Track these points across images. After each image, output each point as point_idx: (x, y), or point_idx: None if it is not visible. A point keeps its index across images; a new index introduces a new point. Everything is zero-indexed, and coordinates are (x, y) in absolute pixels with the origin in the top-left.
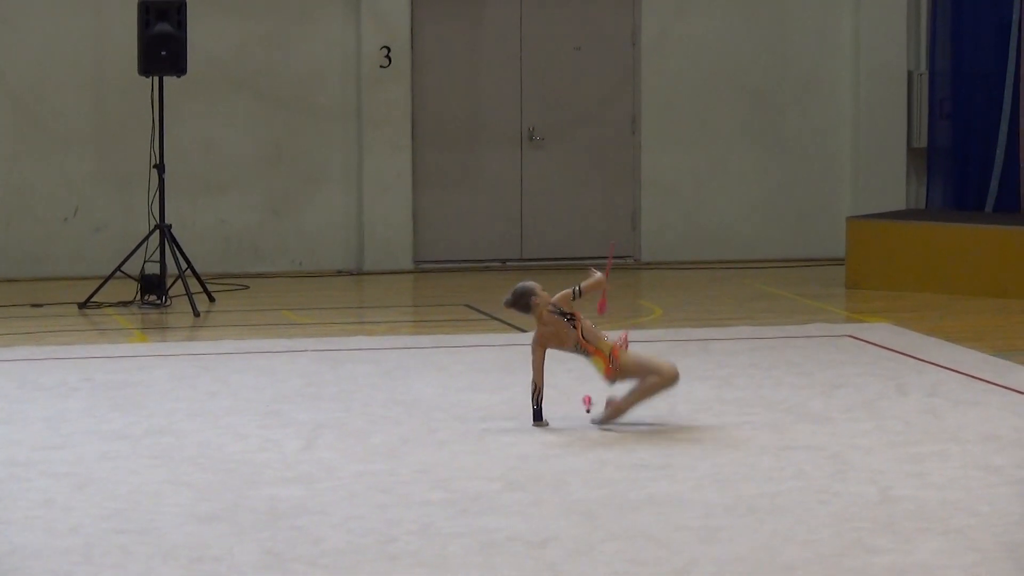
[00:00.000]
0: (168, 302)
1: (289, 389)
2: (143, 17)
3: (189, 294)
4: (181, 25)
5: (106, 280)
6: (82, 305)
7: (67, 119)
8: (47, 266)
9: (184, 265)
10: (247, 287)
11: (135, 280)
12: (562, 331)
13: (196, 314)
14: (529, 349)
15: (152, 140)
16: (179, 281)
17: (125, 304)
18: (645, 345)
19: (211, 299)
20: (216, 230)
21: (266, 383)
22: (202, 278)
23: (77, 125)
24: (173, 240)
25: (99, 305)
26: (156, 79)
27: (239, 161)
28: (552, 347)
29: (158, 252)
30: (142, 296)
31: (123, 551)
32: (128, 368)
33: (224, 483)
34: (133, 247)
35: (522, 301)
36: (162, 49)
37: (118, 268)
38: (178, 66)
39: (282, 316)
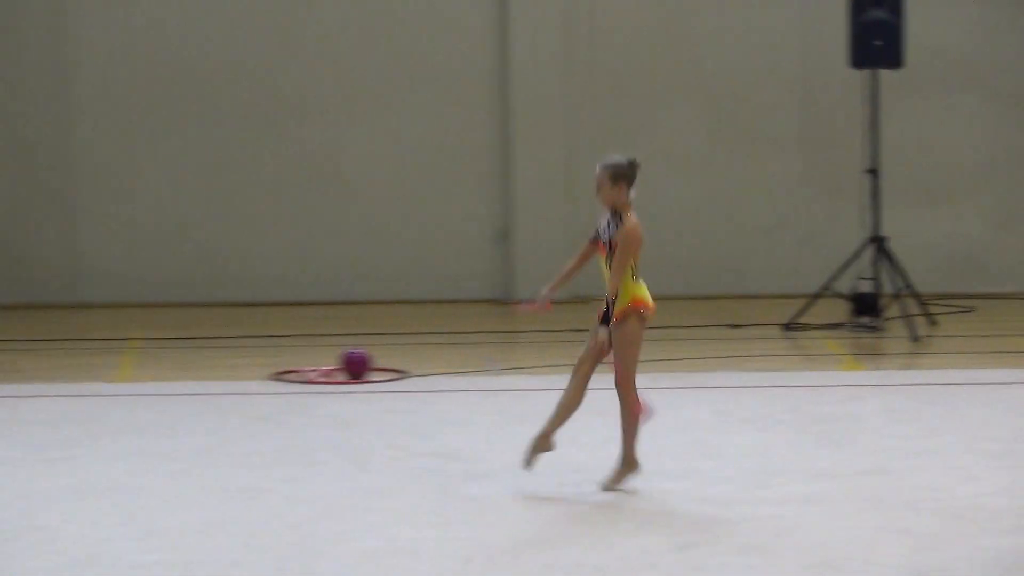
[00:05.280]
0: (883, 325)
1: None
2: (855, 3)
3: (908, 316)
4: (898, 11)
5: (813, 299)
6: (786, 326)
7: (771, 119)
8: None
9: (901, 283)
10: (972, 309)
11: (845, 299)
12: None
13: (915, 338)
14: None
15: (863, 141)
16: (896, 301)
17: (834, 326)
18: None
19: (932, 322)
20: (937, 245)
21: (995, 418)
22: (921, 298)
23: (782, 126)
24: (888, 255)
25: (804, 327)
26: (868, 72)
27: (961, 167)
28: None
29: (871, 268)
30: (854, 317)
31: None
32: (838, 399)
33: (951, 531)
34: (843, 262)
35: None
36: (876, 38)
37: (826, 285)
38: (893, 58)
39: (1011, 343)
